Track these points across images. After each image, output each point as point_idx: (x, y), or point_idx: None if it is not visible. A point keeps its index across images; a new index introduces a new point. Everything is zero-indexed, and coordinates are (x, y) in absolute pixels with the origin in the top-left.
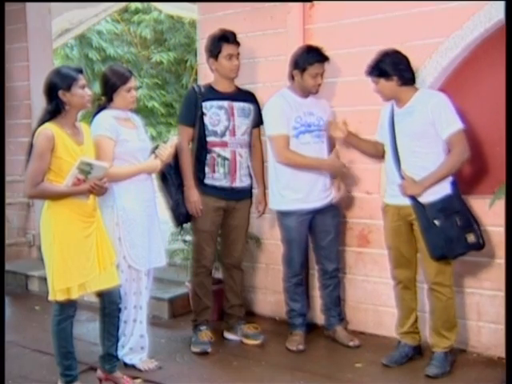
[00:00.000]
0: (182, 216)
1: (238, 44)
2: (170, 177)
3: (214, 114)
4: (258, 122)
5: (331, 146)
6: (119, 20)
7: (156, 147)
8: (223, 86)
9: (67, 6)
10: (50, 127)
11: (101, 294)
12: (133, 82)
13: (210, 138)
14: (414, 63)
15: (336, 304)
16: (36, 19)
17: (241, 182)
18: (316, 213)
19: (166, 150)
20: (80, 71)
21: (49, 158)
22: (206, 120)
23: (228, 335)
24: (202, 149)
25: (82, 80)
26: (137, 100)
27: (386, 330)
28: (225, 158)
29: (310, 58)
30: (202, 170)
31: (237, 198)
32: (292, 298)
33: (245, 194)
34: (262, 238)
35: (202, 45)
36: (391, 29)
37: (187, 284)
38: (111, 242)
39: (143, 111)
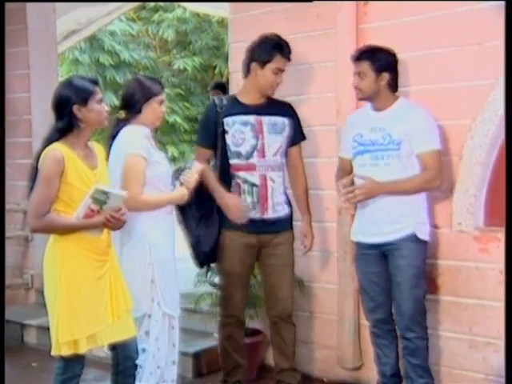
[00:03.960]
0: (203, 255)
1: (289, 59)
2: (190, 208)
3: (237, 131)
4: (297, 138)
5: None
6: (135, 19)
7: (177, 171)
8: (250, 98)
9: (74, 4)
10: (58, 148)
11: (114, 348)
12: (164, 94)
13: (233, 161)
14: (494, 67)
15: (414, 372)
16: (38, 19)
17: (274, 212)
18: (388, 250)
19: (193, 177)
20: (96, 83)
21: (57, 184)
22: (228, 139)
23: None
24: (225, 174)
25: (99, 93)
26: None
27: None
28: (253, 185)
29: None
30: None
31: (271, 232)
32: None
33: (282, 226)
34: (306, 281)
35: (234, 49)
36: (465, 26)
37: (216, 335)
38: (139, 284)
39: (163, 127)
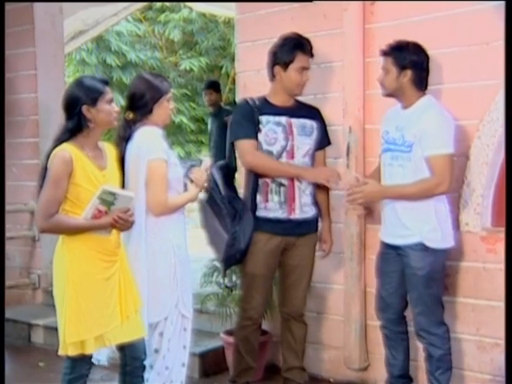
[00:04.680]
0: (239, 253)
1: (312, 56)
2: (225, 206)
3: (270, 130)
4: (323, 142)
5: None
6: (142, 19)
7: (187, 169)
8: (281, 100)
9: (81, 4)
10: (67, 148)
11: (122, 348)
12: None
13: None
14: (501, 66)
15: (427, 378)
16: (45, 20)
17: (302, 212)
18: (401, 255)
19: (203, 175)
20: (106, 83)
21: (65, 185)
22: (261, 137)
23: None
24: (252, 172)
25: (108, 93)
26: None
27: None
28: (280, 184)
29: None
30: (253, 199)
31: (297, 233)
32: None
33: (308, 227)
34: (313, 281)
35: (240, 49)
36: (472, 26)
37: (222, 335)
38: (165, 287)
39: (169, 128)
